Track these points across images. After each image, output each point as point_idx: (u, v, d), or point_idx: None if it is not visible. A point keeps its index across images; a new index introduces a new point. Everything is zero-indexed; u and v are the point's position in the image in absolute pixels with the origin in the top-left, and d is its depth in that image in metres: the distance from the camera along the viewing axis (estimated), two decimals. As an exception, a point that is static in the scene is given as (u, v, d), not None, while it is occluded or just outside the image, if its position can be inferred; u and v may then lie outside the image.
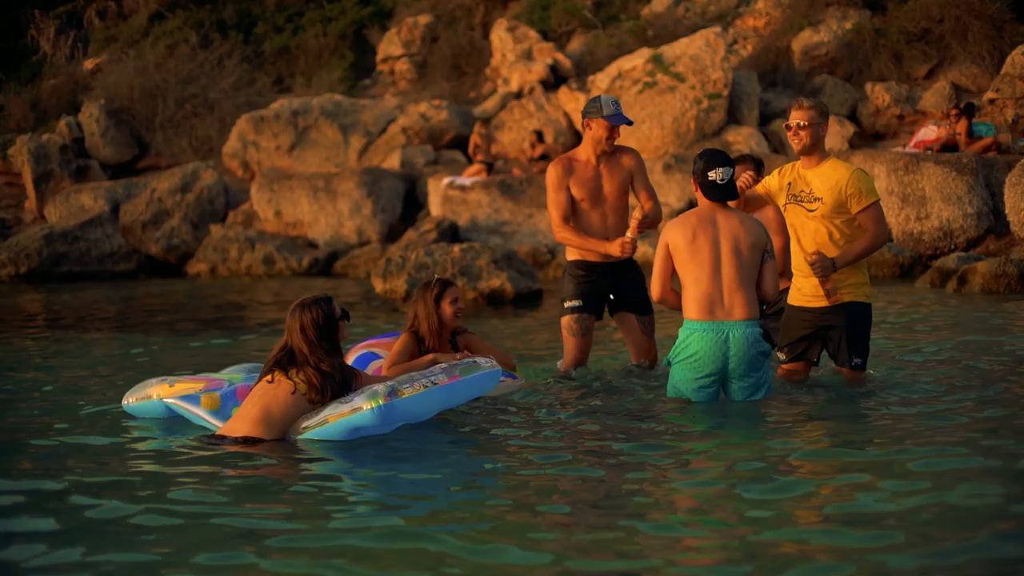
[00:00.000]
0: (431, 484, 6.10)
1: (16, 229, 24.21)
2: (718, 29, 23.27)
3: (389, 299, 15.39)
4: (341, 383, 6.99)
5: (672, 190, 20.13)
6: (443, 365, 7.14)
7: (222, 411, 7.41)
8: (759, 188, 8.31)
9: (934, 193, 16.86)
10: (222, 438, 6.96)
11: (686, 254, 7.52)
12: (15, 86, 29.28)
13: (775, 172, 8.33)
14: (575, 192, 8.68)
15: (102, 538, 5.21)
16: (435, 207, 21.87)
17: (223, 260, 22.00)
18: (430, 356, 7.71)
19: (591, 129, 8.67)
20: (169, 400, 7.62)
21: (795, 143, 8.04)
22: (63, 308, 17.21)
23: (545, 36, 26.40)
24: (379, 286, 15.58)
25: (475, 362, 7.21)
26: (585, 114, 8.70)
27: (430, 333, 7.92)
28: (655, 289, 7.70)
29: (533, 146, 22.43)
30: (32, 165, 24.71)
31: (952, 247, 16.70)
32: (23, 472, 6.58)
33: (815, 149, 8.02)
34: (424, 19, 28.26)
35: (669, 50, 22.75)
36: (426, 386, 6.81)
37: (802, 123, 7.96)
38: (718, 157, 7.66)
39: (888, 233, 8.08)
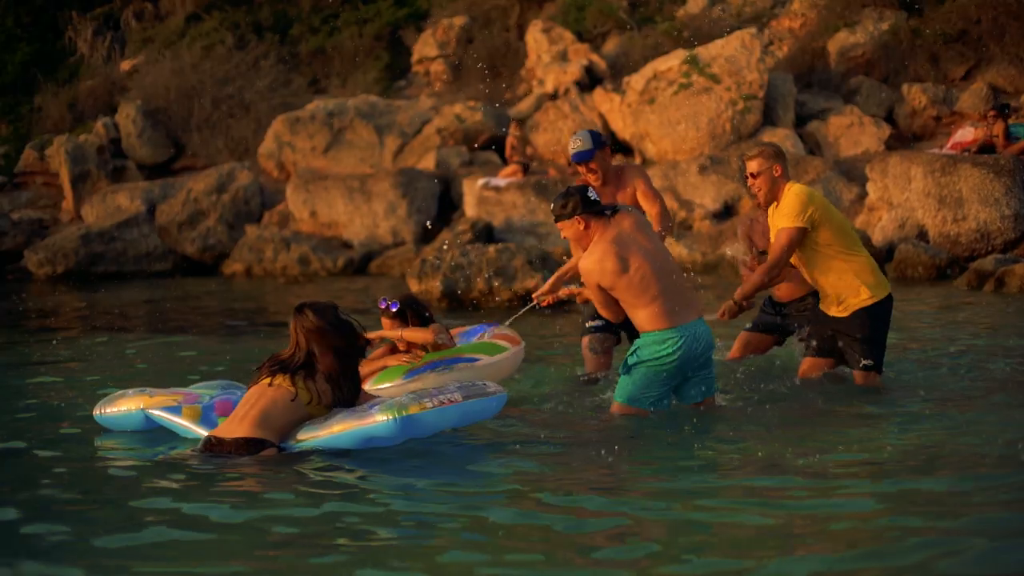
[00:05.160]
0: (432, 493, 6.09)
1: (53, 229, 24.37)
2: (754, 30, 23.20)
3: (424, 300, 15.37)
4: (348, 401, 6.98)
5: (708, 191, 20.09)
6: (457, 385, 7.05)
7: (204, 420, 7.29)
8: None
9: (971, 195, 16.77)
10: (220, 442, 6.75)
11: (627, 283, 7.36)
12: (52, 87, 29.43)
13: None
14: None
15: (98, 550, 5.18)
16: (470, 208, 21.88)
17: (258, 260, 22.09)
18: (380, 362, 7.97)
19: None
20: (152, 411, 7.49)
21: (757, 195, 8.26)
22: (98, 307, 17.31)
23: (580, 37, 26.36)
24: (414, 287, 15.58)
25: (485, 385, 7.13)
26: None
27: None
28: (610, 313, 7.63)
29: (576, 147, 22.38)
30: (69, 166, 24.87)
31: (989, 249, 16.60)
32: (35, 472, 6.60)
33: (772, 196, 8.17)
34: (459, 20, 28.26)
35: (705, 51, 22.69)
36: (443, 403, 6.74)
37: (754, 172, 8.13)
38: (574, 190, 7.64)
39: (782, 266, 8.15)
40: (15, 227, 24.13)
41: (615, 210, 7.60)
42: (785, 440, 6.90)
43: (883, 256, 17.01)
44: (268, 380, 6.91)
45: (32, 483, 6.30)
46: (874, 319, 8.14)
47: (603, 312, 7.67)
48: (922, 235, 17.16)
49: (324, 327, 6.94)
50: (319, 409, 6.88)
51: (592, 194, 7.54)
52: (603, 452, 6.70)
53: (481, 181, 21.83)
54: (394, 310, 8.10)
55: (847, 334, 8.23)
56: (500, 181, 21.64)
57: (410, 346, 8.22)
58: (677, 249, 19.17)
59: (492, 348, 8.28)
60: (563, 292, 8.34)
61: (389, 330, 8.17)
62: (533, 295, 8.50)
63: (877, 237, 17.50)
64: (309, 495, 5.96)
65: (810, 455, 6.41)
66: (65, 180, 25.00)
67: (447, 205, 22.67)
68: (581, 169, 8.85)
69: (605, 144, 8.82)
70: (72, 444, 7.38)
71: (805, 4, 25.51)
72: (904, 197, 17.47)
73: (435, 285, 15.30)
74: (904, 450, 6.49)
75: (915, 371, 9.10)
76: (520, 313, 8.65)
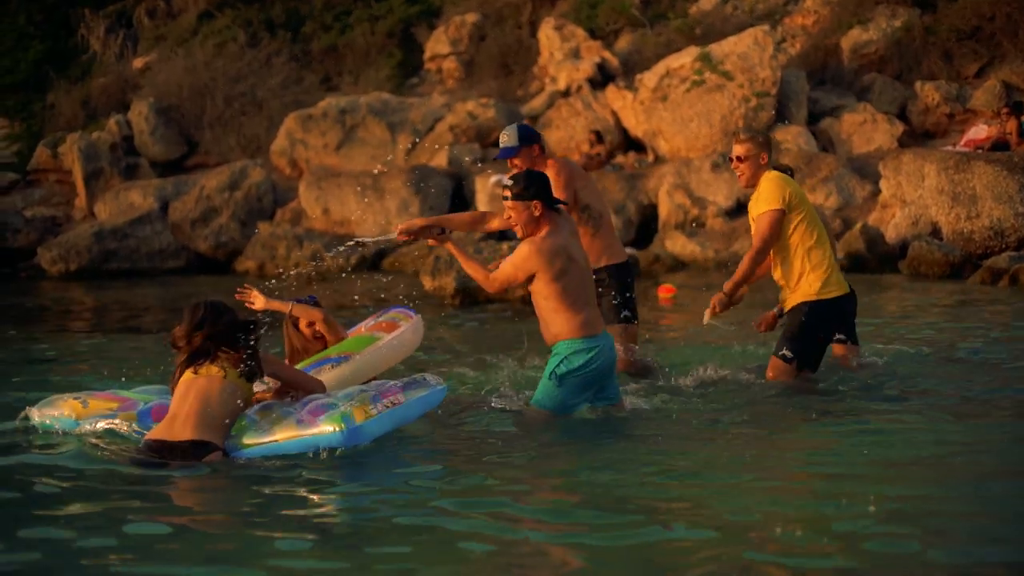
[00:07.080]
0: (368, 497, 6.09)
1: (66, 226, 24.40)
2: (766, 27, 23.18)
3: (438, 296, 15.38)
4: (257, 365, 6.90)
5: (720, 189, 20.09)
6: (398, 383, 6.97)
7: (140, 426, 7.13)
8: None
9: (985, 192, 16.74)
10: (161, 447, 6.59)
11: (561, 287, 7.35)
12: (65, 85, 29.47)
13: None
14: None
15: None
16: (482, 205, 21.89)
17: (271, 257, 22.12)
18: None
19: None
20: (85, 421, 7.30)
21: (739, 179, 8.30)
22: (111, 305, 17.34)
23: (593, 34, 26.35)
24: (428, 284, 15.58)
25: (425, 379, 7.11)
26: None
27: (294, 352, 8.18)
28: (497, 288, 7.56)
29: (592, 145, 22.39)
30: (82, 163, 24.90)
31: (1003, 246, 16.56)
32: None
33: (753, 181, 8.22)
34: (472, 17, 28.27)
35: (717, 48, 22.68)
36: (388, 406, 6.69)
37: (741, 155, 8.15)
38: (537, 174, 7.54)
39: (767, 251, 8.23)
40: (28, 225, 24.18)
41: (560, 211, 7.62)
42: (766, 442, 6.92)
43: (896, 253, 17.00)
44: (192, 371, 6.77)
45: (28, 481, 6.31)
46: (809, 315, 8.18)
47: (496, 284, 7.52)
48: (935, 232, 17.13)
49: (204, 328, 6.82)
50: (245, 385, 6.81)
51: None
52: (562, 455, 6.74)
53: (493, 178, 21.84)
54: (301, 301, 8.20)
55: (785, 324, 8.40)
56: (512, 178, 21.62)
57: (297, 329, 8.22)
58: (691, 247, 19.17)
59: (363, 342, 7.98)
60: (428, 238, 8.00)
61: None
62: (400, 225, 8.15)
63: (890, 234, 17.48)
64: (247, 500, 5.99)
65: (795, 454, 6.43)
66: (78, 177, 25.04)
67: (459, 202, 22.67)
68: (509, 164, 8.73)
69: (533, 141, 8.55)
70: (72, 442, 7.35)
71: (818, 1, 25.48)
72: (917, 194, 17.43)
73: (448, 282, 15.30)
74: (910, 452, 6.47)
75: (923, 369, 9.06)
76: (376, 240, 8.61)
